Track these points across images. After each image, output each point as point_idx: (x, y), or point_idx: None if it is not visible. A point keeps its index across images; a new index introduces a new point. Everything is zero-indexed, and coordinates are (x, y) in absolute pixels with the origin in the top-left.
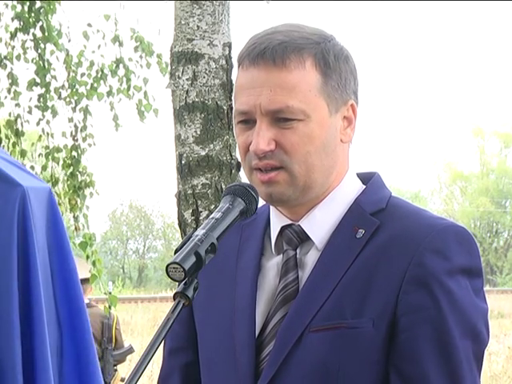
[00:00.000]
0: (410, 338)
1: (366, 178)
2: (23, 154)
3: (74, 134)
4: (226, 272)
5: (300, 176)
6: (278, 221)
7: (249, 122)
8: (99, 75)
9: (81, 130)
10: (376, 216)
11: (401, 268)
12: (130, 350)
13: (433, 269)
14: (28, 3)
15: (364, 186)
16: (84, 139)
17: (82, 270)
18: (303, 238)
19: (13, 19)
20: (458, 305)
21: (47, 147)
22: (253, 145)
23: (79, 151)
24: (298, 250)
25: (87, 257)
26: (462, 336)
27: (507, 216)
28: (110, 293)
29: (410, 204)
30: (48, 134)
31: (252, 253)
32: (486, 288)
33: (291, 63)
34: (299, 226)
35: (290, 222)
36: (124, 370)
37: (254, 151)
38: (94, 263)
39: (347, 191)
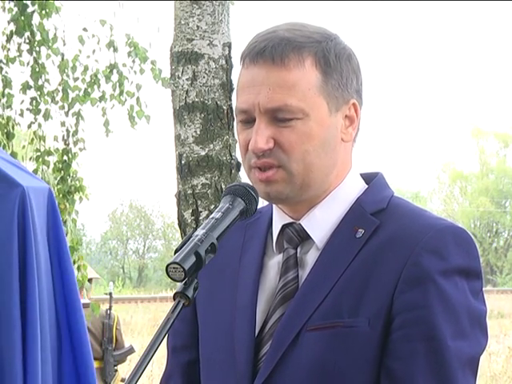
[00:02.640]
0: (401, 337)
1: (369, 178)
2: (13, 156)
3: (65, 138)
4: (229, 270)
5: (298, 174)
6: (279, 219)
7: (249, 120)
8: (93, 80)
9: (72, 135)
10: (376, 216)
11: (397, 267)
12: (131, 351)
13: (428, 268)
14: (21, 6)
15: (366, 186)
16: (75, 143)
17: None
18: (304, 237)
19: (9, 22)
20: (451, 305)
21: (38, 150)
22: (251, 143)
23: (70, 155)
24: (298, 249)
25: (74, 262)
26: (454, 337)
27: (507, 216)
28: (110, 293)
29: (412, 204)
30: (39, 137)
31: (255, 251)
32: (486, 288)
33: (290, 62)
34: (300, 224)
35: (291, 220)
36: (124, 370)
37: (252, 150)
38: (78, 268)
39: (349, 190)
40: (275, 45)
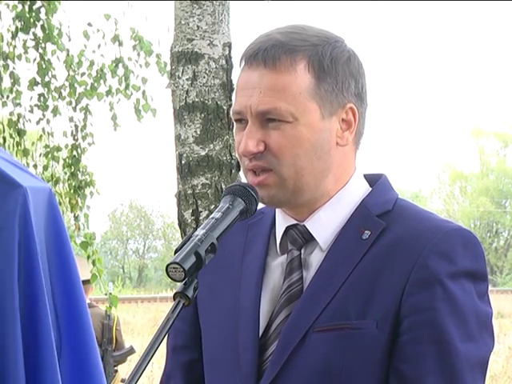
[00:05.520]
0: (410, 340)
1: (373, 180)
2: (26, 153)
3: (74, 133)
4: (231, 270)
5: (289, 178)
6: (283, 221)
7: (243, 122)
8: (99, 75)
9: (81, 130)
10: (382, 218)
11: (405, 270)
12: (131, 351)
13: (437, 271)
14: (28, 3)
15: (371, 188)
16: (84, 138)
17: (83, 271)
18: (308, 239)
19: (14, 19)
20: (459, 308)
21: (47, 146)
22: (241, 146)
23: (79, 150)
24: (302, 250)
25: (88, 256)
26: (463, 340)
27: (507, 216)
28: (110, 293)
29: (417, 206)
30: (48, 133)
31: (257, 252)
32: None
33: (281, 65)
34: (304, 226)
35: (294, 222)
36: (124, 370)
37: (241, 152)
38: (94, 262)
39: (353, 193)
40: (268, 48)
